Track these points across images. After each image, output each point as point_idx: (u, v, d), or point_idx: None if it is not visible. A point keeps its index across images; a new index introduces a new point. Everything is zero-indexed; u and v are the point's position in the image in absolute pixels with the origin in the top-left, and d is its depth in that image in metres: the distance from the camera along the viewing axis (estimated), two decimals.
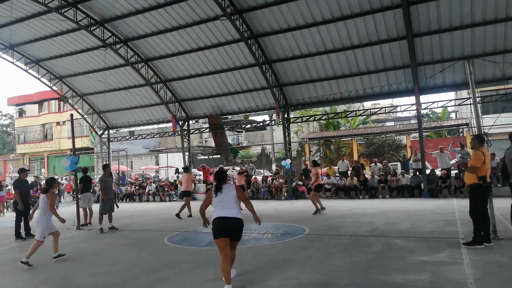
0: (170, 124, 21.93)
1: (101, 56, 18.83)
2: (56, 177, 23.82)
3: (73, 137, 11.83)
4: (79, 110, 23.00)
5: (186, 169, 13.91)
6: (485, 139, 6.84)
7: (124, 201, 21.57)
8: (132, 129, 26.09)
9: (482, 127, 7.44)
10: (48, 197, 6.90)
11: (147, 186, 21.82)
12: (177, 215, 11.97)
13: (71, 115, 12.14)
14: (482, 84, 15.29)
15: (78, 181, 11.86)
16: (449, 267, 5.23)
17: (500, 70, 13.72)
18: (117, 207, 11.35)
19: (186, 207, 12.17)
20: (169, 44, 17.74)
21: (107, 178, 10.59)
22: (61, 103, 39.43)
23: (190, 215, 12.03)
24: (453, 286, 4.47)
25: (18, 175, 10.48)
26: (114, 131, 24.83)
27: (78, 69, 20.49)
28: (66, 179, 23.63)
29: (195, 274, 5.59)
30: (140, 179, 25.87)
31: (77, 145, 12.19)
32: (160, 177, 26.22)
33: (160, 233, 9.38)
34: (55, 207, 7.46)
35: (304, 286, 4.75)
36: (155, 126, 24.30)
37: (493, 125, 10.94)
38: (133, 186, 22.46)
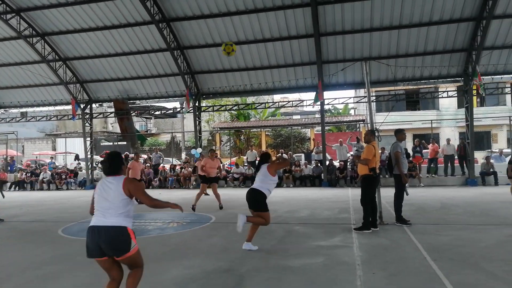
0: (69, 107, 20.20)
1: None
2: None
3: None
4: None
5: (212, 151, 12.19)
6: (376, 134, 7.55)
7: (13, 189, 19.44)
8: (24, 110, 23.47)
9: (374, 123, 8.20)
10: None
11: (41, 173, 19.94)
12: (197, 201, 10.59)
13: None
14: (376, 84, 16.84)
15: None
16: (341, 251, 5.70)
17: (392, 72, 15.24)
18: (3, 196, 10.19)
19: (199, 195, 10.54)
20: (70, 19, 16.22)
21: None
22: None
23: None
24: (343, 268, 4.88)
25: None
26: (2, 111, 22.10)
27: None
28: None
29: (92, 266, 5.24)
30: (33, 165, 23.51)
31: None
32: (57, 164, 24.12)
33: (54, 224, 8.65)
34: None
35: (207, 274, 4.78)
36: (52, 108, 22.18)
37: (383, 122, 12.15)
38: (24, 173, 20.33)
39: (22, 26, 16.34)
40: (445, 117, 27.62)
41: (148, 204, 3.52)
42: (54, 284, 4.60)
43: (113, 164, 3.56)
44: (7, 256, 5.99)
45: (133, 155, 13.62)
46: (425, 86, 21.05)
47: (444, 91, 17.65)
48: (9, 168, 21.78)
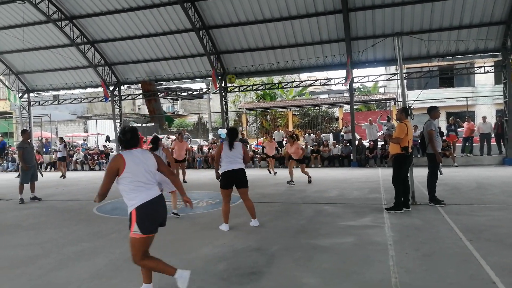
0: (99, 89, 20.62)
1: (19, 11, 16.89)
2: None
3: None
4: None
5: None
6: (409, 112, 7.28)
7: (49, 170, 20.21)
8: (56, 93, 24.13)
9: (407, 101, 7.90)
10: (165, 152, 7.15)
11: (75, 154, 20.60)
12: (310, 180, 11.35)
13: None
14: (408, 60, 16.20)
15: None
16: (372, 231, 5.60)
17: (426, 47, 14.60)
18: (42, 175, 10.59)
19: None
20: (97, 1, 16.33)
21: (26, 145, 9.72)
22: None
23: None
24: (375, 248, 4.79)
25: None
26: (35, 94, 22.82)
27: None
28: None
29: (125, 244, 5.38)
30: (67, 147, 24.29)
31: None
32: (88, 145, 24.87)
33: (89, 203, 8.93)
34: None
35: (237, 252, 4.81)
36: (83, 90, 22.70)
37: (416, 100, 11.73)
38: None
39: (51, 9, 16.61)
40: (481, 94, 26.44)
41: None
42: (91, 259, 4.75)
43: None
44: (45, 233, 6.23)
45: (177, 135, 13.89)
46: (460, 62, 20.12)
47: (480, 67, 16.79)
48: (44, 149, 22.64)
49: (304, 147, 17.20)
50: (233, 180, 5.85)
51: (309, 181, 11.16)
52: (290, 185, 10.85)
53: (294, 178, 11.18)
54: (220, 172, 5.96)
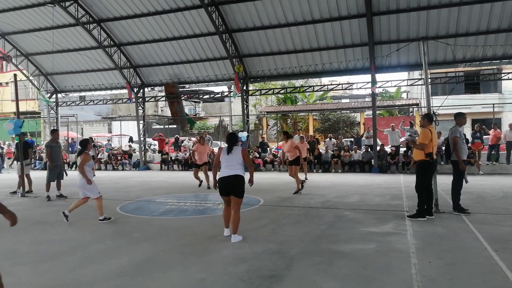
0: (123, 91, 21.05)
1: (49, 14, 17.48)
2: None
3: (17, 100, 11.05)
4: (24, 71, 21.44)
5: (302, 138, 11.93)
6: (434, 118, 7.17)
7: (73, 169, 20.73)
8: (82, 94, 24.78)
9: (431, 107, 7.77)
10: (81, 157, 6.96)
11: (99, 154, 21.08)
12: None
13: (15, 75, 11.27)
14: (433, 66, 15.91)
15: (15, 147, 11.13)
16: (394, 238, 5.53)
17: (452, 52, 14.32)
18: (66, 174, 10.89)
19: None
20: (124, 5, 16.75)
21: (54, 144, 10.06)
22: (4, 62, 36.51)
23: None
24: (397, 255, 4.73)
25: None
26: (63, 95, 23.50)
27: (23, 26, 18.96)
28: (9, 144, 22.25)
29: (148, 243, 5.52)
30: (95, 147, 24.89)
31: (22, 109, 11.42)
32: (112, 145, 25.42)
33: (112, 202, 9.14)
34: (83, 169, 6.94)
35: (257, 255, 4.83)
36: (108, 92, 23.25)
37: (441, 106, 11.50)
38: None
39: (79, 13, 17.11)
40: (509, 101, 25.69)
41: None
42: (115, 258, 4.86)
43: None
44: (70, 231, 6.42)
45: (198, 138, 13.66)
46: (487, 67, 19.62)
47: (508, 73, 16.34)
48: (70, 149, 23.25)
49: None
50: (227, 187, 5.52)
51: (296, 192, 10.02)
52: (298, 194, 9.95)
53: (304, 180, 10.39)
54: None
